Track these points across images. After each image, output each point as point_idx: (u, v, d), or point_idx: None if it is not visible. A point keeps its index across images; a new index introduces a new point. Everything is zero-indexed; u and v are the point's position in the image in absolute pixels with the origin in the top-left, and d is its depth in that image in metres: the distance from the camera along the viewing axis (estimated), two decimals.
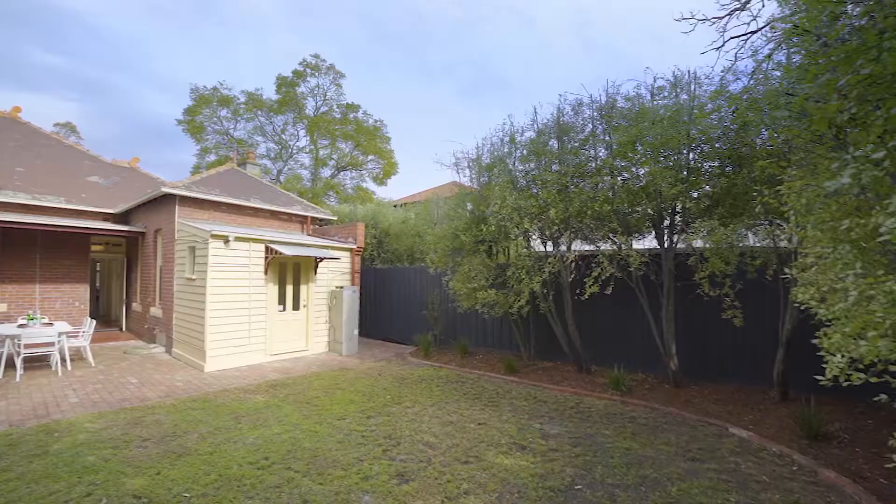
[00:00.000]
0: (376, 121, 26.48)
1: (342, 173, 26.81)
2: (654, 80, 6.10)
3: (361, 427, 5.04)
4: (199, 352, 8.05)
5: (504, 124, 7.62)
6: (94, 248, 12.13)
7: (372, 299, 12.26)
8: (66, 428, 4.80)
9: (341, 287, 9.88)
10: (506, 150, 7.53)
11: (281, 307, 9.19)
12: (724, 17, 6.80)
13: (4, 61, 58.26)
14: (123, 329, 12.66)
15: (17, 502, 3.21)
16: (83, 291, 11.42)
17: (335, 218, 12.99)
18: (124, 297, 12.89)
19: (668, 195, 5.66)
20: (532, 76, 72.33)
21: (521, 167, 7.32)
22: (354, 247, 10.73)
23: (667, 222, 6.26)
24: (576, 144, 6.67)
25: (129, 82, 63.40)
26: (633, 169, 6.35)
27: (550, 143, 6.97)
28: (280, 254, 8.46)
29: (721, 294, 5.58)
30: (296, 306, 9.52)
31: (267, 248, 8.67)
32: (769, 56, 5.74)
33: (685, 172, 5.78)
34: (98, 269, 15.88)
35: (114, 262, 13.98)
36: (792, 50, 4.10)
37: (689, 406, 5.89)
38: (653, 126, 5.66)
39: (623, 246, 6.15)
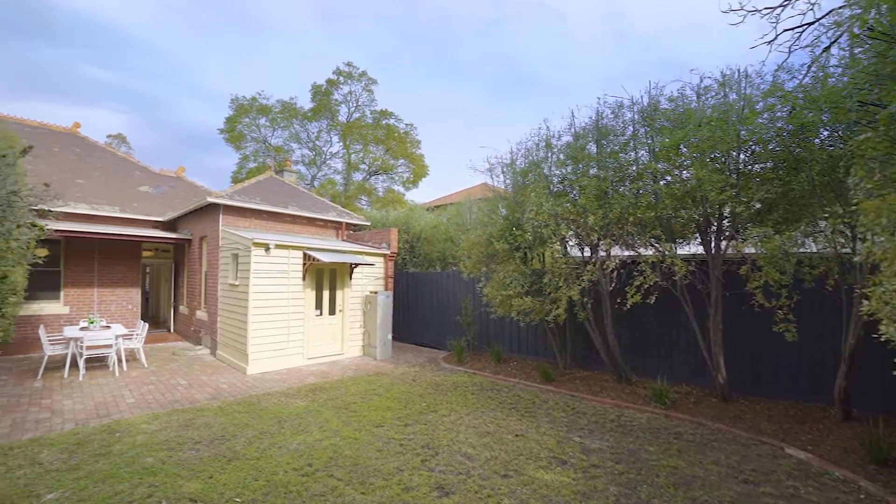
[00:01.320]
0: (407, 125, 26.79)
1: (373, 177, 27.27)
2: (701, 80, 5.84)
3: (399, 435, 5.09)
4: (241, 355, 8.38)
5: (539, 129, 7.52)
6: (144, 253, 12.88)
7: (404, 304, 12.37)
8: (126, 428, 5.10)
9: (375, 292, 10.03)
10: (541, 154, 7.41)
11: (318, 312, 9.43)
12: (776, 8, 6.45)
13: (62, 79, 62.90)
14: (171, 330, 13.36)
15: (87, 500, 3.43)
16: (135, 295, 12.13)
17: (368, 223, 13.20)
18: (172, 300, 13.60)
19: (716, 200, 5.40)
20: (561, 73, 71.00)
21: (557, 172, 7.19)
22: (388, 252, 10.86)
23: (714, 228, 5.98)
24: (615, 148, 6.47)
25: (173, 93, 67.09)
26: (677, 172, 6.10)
27: (588, 146, 6.81)
28: (317, 260, 8.68)
29: (776, 306, 5.25)
30: (332, 311, 9.73)
31: (305, 254, 8.92)
32: (827, 49, 5.39)
33: (735, 176, 5.49)
34: (147, 273, 16.84)
35: (162, 266, 14.77)
36: (858, 50, 3.80)
37: (740, 422, 5.59)
38: (699, 128, 5.42)
39: (667, 253, 5.91)
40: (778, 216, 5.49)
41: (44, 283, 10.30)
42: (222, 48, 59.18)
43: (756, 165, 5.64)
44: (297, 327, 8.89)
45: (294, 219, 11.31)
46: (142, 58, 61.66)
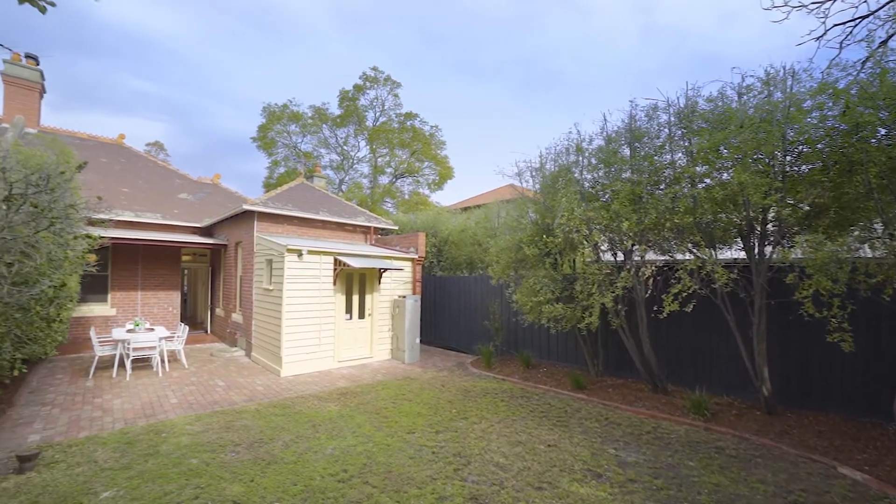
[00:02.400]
0: (432, 127, 26.96)
1: (399, 180, 27.56)
2: (743, 79, 5.59)
3: (431, 443, 5.10)
4: (275, 357, 8.62)
5: (570, 132, 7.38)
6: (183, 257, 13.46)
7: (432, 307, 12.42)
8: (170, 429, 5.34)
9: (404, 296, 10.11)
10: (572, 158, 7.28)
11: (347, 316, 9.59)
12: (824, 2, 6.11)
13: (104, 89, 66.67)
14: (208, 332, 13.90)
15: (139, 500, 3.61)
16: (175, 297, 12.70)
17: (396, 227, 13.33)
18: (209, 302, 14.15)
19: (760, 204, 5.15)
20: (587, 69, 69.62)
21: (588, 176, 7.04)
22: (416, 256, 10.94)
23: (757, 232, 5.71)
24: (650, 151, 6.27)
25: (206, 101, 70.01)
26: (717, 175, 5.85)
27: (621, 150, 6.64)
28: (348, 266, 8.84)
29: (827, 315, 4.96)
30: (361, 315, 9.88)
31: (336, 260, 9.09)
32: (884, 43, 5.06)
33: (780, 178, 5.23)
34: (185, 275, 17.59)
35: (199, 270, 15.40)
36: None
37: (786, 438, 5.31)
38: (741, 129, 5.19)
39: (707, 260, 5.68)
40: (829, 220, 5.19)
41: (93, 286, 10.93)
42: (252, 57, 61.29)
43: (804, 167, 5.35)
44: (328, 331, 9.07)
45: (324, 224, 11.56)
46: (176, 67, 64.76)
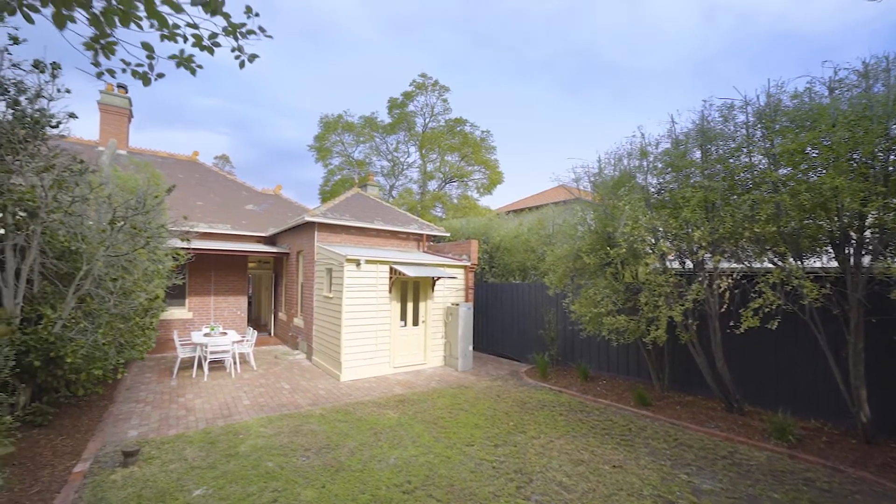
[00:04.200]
0: (483, 132, 26.93)
1: (448, 185, 27.79)
2: (835, 72, 5.05)
3: (490, 457, 5.07)
4: (335, 362, 8.99)
5: (633, 136, 7.05)
6: (249, 264, 14.43)
7: (484, 315, 12.37)
8: (246, 430, 5.72)
9: (457, 304, 10.16)
10: (635, 163, 6.96)
11: (402, 323, 9.80)
12: None
13: (176, 107, 73.14)
14: (271, 334, 14.78)
15: (226, 499, 3.90)
16: (243, 302, 13.63)
17: (448, 234, 13.45)
18: (272, 306, 15.05)
19: (858, 211, 4.63)
20: (642, 59, 66.24)
21: (654, 181, 6.69)
22: (468, 264, 10.97)
23: (853, 242, 5.14)
24: (724, 154, 5.84)
25: (264, 113, 74.81)
26: (802, 177, 5.33)
27: (692, 153, 6.24)
28: (403, 274, 9.03)
29: None
30: (415, 322, 10.06)
31: (391, 269, 9.33)
32: None
33: (882, 181, 4.67)
34: (251, 281, 18.83)
35: (263, 276, 16.42)
36: None
37: (890, 472, 4.72)
38: (833, 129, 4.70)
39: (793, 273, 5.19)
40: None
41: (173, 292, 12.01)
42: (308, 70, 64.68)
43: None
44: (383, 337, 9.32)
45: (379, 233, 11.91)
46: (239, 84, 69.79)
